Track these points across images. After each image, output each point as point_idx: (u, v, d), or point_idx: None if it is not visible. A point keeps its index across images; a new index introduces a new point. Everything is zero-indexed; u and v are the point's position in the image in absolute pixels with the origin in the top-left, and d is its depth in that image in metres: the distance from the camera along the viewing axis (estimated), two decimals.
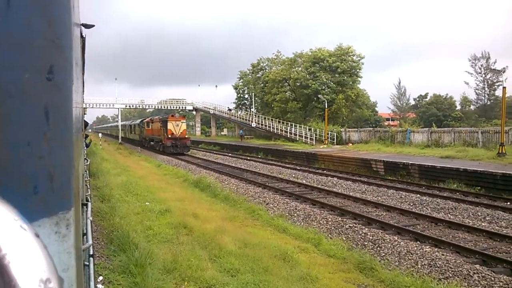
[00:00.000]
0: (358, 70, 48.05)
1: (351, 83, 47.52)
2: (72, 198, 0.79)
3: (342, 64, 46.14)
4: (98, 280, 5.61)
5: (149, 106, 73.37)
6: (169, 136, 34.87)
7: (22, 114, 0.70)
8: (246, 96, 68.51)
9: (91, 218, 3.27)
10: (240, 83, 68.20)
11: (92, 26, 8.82)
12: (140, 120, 51.99)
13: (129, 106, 67.90)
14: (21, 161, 0.69)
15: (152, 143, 41.01)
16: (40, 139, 0.72)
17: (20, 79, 0.69)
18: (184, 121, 37.63)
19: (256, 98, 61.74)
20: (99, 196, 12.76)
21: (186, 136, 36.17)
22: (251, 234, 9.81)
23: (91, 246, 2.64)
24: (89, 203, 3.64)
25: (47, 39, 0.73)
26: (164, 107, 69.31)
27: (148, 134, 42.97)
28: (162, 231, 9.28)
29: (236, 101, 69.96)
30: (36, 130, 0.71)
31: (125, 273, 6.25)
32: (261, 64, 61.93)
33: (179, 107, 68.05)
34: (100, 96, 63.18)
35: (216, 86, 74.92)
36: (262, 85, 58.25)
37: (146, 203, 12.46)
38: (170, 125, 35.26)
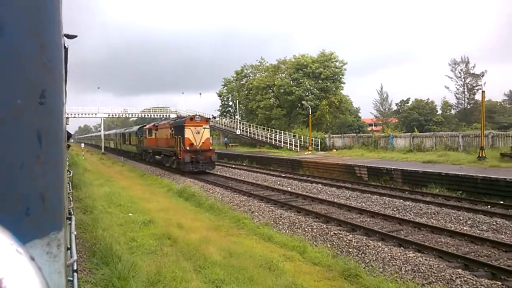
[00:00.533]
0: (341, 76, 48.63)
1: (334, 89, 48.03)
2: (62, 217, 0.81)
3: (325, 70, 46.59)
4: None
5: (132, 115, 72.90)
6: (187, 148, 24.79)
7: (16, 137, 0.71)
8: (231, 103, 68.46)
9: (75, 233, 3.23)
10: (224, 91, 68.08)
11: (75, 36, 8.77)
12: (138, 127, 41.03)
13: (112, 115, 67.54)
14: (15, 183, 0.70)
15: (158, 157, 30.20)
16: (33, 162, 0.73)
17: (13, 103, 0.71)
18: (208, 126, 27.06)
19: (241, 105, 61.78)
20: (82, 207, 12.56)
21: (210, 148, 26.58)
22: (236, 244, 9.77)
23: (75, 262, 2.61)
24: (73, 216, 3.60)
25: (39, 63, 0.75)
26: (148, 115, 68.95)
27: (151, 145, 32.84)
28: (146, 242, 9.18)
29: (221, 108, 69.85)
30: (29, 154, 0.72)
31: (108, 287, 6.17)
32: (245, 71, 62.05)
33: (163, 116, 67.59)
34: (83, 106, 62.68)
35: (200, 93, 74.83)
36: (246, 92, 58.37)
37: (130, 214, 12.32)
38: (188, 133, 25.03)
